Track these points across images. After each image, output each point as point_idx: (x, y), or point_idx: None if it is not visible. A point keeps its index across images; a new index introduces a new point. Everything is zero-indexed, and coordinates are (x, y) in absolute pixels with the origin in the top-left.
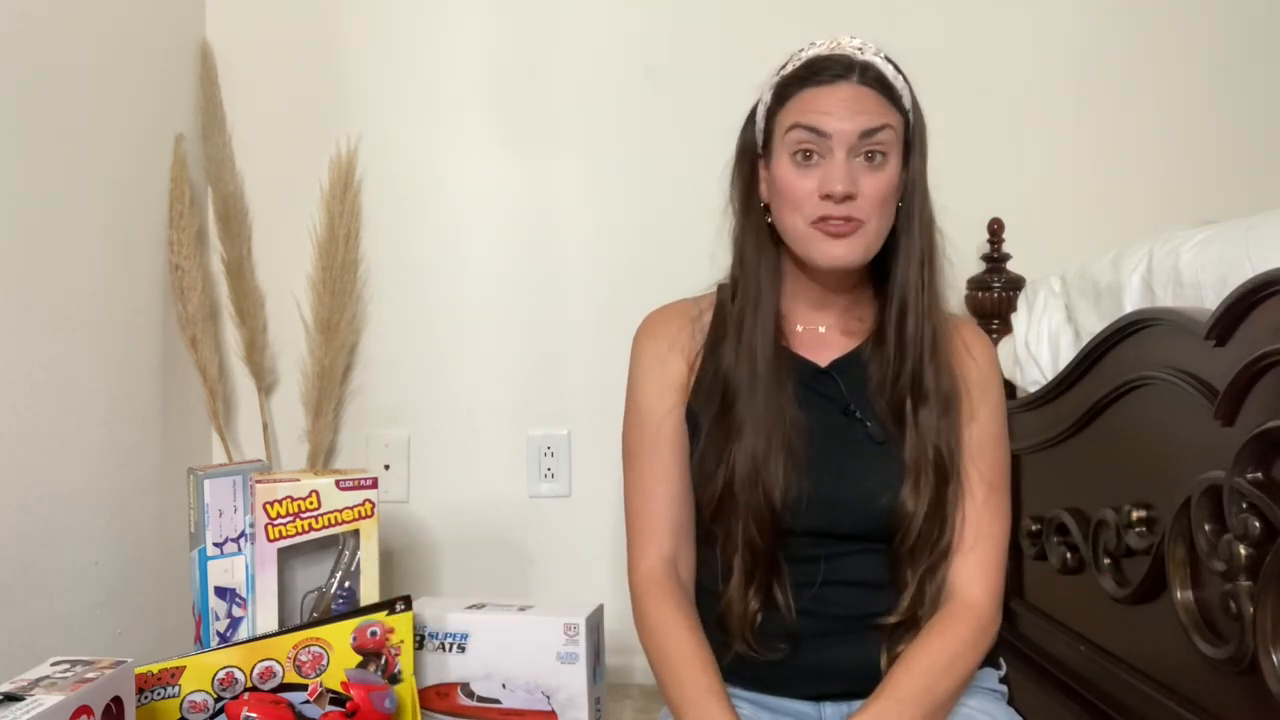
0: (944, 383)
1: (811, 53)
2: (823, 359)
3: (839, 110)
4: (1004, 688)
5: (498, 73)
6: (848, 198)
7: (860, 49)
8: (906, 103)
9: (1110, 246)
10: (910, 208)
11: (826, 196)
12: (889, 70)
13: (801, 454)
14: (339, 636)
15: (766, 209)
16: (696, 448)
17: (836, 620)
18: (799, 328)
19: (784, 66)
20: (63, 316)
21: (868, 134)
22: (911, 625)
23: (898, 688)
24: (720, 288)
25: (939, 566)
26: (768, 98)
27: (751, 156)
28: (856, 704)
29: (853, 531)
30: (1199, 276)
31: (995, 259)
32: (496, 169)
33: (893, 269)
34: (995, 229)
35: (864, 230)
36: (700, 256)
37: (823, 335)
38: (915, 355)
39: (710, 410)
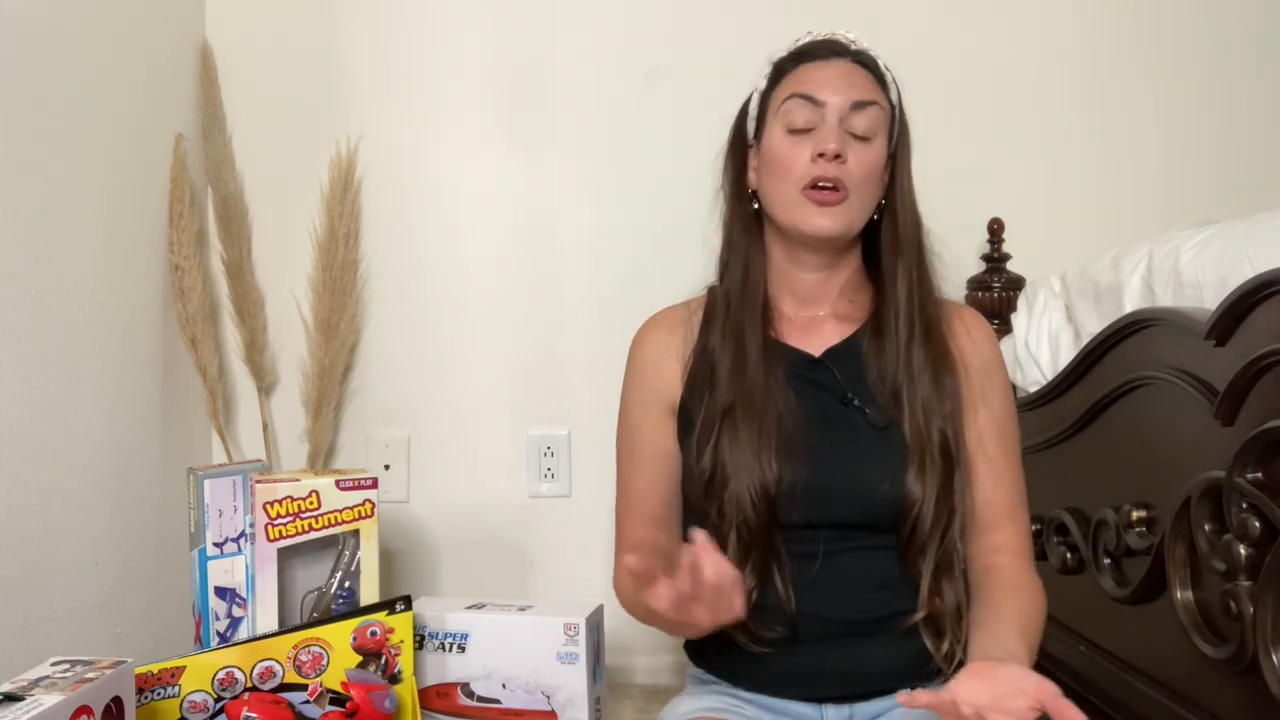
0: (943, 366)
1: (806, 39)
2: (816, 348)
3: (834, 83)
4: None
5: (498, 72)
6: (838, 157)
7: (853, 41)
8: (893, 96)
9: (1110, 246)
10: (897, 201)
11: (819, 156)
12: (880, 62)
13: (797, 441)
14: (339, 636)
15: (754, 196)
16: (689, 441)
17: (838, 622)
18: (791, 315)
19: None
20: (63, 316)
21: (859, 105)
22: (936, 620)
23: (1017, 614)
24: (710, 290)
25: (953, 557)
26: (762, 83)
27: (743, 145)
28: (859, 706)
29: (855, 522)
30: (1199, 276)
31: (995, 259)
32: (497, 169)
33: (884, 261)
34: (995, 229)
35: (848, 203)
36: (701, 256)
37: (816, 321)
38: (913, 340)
39: (701, 396)
